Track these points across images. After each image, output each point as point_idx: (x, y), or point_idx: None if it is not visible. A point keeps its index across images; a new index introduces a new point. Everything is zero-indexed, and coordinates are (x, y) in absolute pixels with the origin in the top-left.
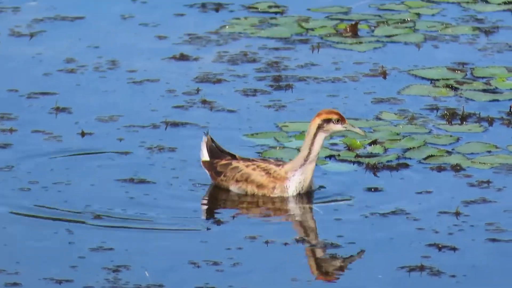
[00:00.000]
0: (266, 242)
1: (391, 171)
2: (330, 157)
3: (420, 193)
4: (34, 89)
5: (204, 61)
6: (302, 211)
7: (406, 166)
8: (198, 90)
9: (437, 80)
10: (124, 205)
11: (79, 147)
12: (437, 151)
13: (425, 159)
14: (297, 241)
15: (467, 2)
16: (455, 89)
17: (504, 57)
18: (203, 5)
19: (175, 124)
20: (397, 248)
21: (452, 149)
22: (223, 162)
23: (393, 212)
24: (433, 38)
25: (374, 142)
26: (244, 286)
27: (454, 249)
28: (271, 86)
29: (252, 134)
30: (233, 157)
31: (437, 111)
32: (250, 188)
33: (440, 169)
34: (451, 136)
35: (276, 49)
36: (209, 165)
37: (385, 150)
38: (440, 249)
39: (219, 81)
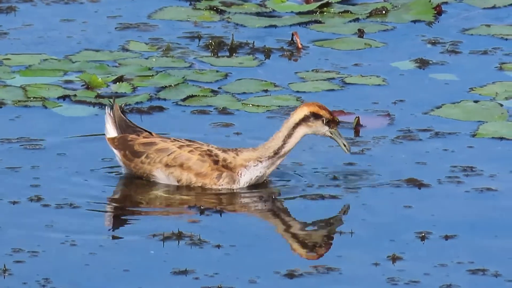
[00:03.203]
0: None
1: (142, 115)
2: (64, 97)
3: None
4: None
5: None
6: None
7: (160, 109)
8: None
9: (198, 0)
10: None
11: None
12: (200, 90)
13: (184, 100)
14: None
15: None
16: (221, 12)
17: None
18: None
19: None
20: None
21: (219, 88)
22: (144, 140)
23: None
24: None
25: (120, 79)
26: None
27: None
28: None
29: None
30: (149, 134)
31: (199, 40)
32: (186, 176)
33: (203, 113)
34: (217, 71)
35: None
36: (121, 143)
37: (134, 89)
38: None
39: None
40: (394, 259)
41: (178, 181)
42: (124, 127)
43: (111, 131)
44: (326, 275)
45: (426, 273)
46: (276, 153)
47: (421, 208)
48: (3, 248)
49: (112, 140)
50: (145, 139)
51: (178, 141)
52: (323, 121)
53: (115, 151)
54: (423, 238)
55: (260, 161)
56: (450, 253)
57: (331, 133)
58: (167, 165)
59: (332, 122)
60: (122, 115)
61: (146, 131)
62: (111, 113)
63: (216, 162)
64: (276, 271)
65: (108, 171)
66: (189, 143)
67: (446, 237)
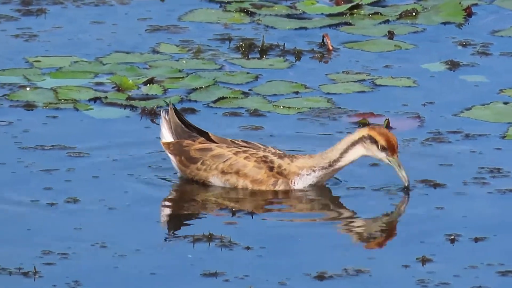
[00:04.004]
0: None
1: None
2: (95, 100)
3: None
4: None
5: None
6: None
7: (192, 111)
8: None
9: (228, 3)
10: None
11: None
12: (231, 92)
13: (215, 102)
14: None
15: None
16: (252, 14)
17: None
18: None
19: None
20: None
21: (250, 90)
22: (200, 145)
23: None
24: None
25: (150, 81)
26: None
27: None
28: (19, 11)
29: None
30: (206, 135)
31: (229, 42)
32: (242, 183)
33: (234, 115)
34: (248, 73)
35: None
36: (177, 148)
37: (165, 91)
38: None
39: None
40: (424, 261)
41: (234, 187)
42: (179, 132)
43: (167, 136)
44: (356, 277)
45: (456, 275)
46: (330, 165)
47: (450, 210)
48: (33, 250)
49: (168, 145)
50: (201, 145)
51: (235, 142)
52: (378, 146)
53: (171, 156)
54: (452, 240)
55: (314, 170)
56: (480, 255)
57: (390, 161)
58: (223, 172)
59: (389, 150)
60: (178, 119)
61: (202, 131)
62: (167, 117)
63: (271, 168)
64: (306, 273)
65: (146, 175)
66: (245, 146)
67: (476, 239)
